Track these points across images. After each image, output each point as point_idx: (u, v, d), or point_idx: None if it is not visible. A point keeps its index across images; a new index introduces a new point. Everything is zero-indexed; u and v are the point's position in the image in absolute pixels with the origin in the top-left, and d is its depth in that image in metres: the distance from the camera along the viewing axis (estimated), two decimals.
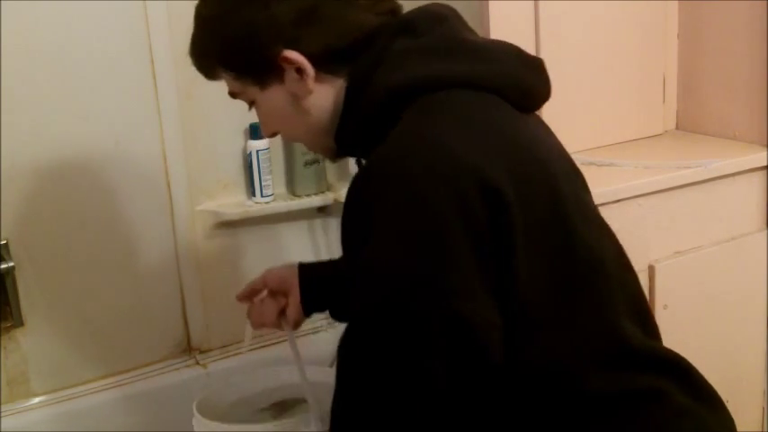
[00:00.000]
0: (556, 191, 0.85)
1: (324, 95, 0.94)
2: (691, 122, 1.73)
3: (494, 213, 0.79)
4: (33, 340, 1.54)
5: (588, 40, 1.58)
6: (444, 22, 0.93)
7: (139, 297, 1.62)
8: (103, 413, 1.57)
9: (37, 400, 1.55)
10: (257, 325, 1.21)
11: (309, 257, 1.73)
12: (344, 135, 0.95)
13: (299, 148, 1.68)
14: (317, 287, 1.19)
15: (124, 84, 1.54)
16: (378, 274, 0.80)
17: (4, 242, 1.48)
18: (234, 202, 1.69)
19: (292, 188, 1.73)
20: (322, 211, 1.77)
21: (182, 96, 1.59)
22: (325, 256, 1.76)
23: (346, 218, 0.86)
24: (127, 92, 1.54)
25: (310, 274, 1.20)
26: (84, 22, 1.48)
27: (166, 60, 1.55)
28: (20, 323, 1.52)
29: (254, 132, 1.65)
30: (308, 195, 1.72)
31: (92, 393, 1.58)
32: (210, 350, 1.70)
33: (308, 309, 1.19)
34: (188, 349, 1.69)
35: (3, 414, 1.50)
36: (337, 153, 1.00)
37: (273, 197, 1.69)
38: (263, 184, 1.66)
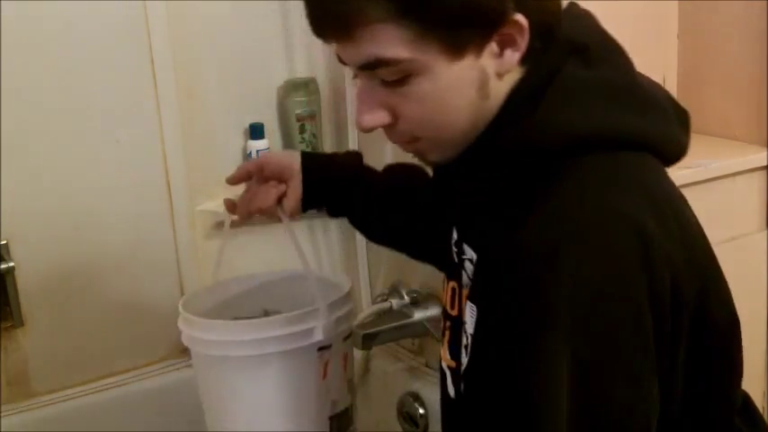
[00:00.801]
0: (712, 270, 0.81)
1: (507, 83, 0.78)
2: (691, 122, 1.73)
3: (673, 311, 0.74)
4: (33, 340, 1.54)
5: None
6: (615, 51, 0.82)
7: (139, 297, 1.62)
8: (103, 413, 1.57)
9: (37, 400, 1.55)
10: (251, 208, 1.10)
11: (309, 257, 1.73)
12: (481, 156, 0.79)
13: (299, 148, 1.68)
14: (321, 182, 1.10)
15: (124, 84, 1.53)
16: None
17: (4, 242, 1.47)
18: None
19: None
20: (322, 210, 1.76)
21: (182, 96, 1.59)
22: (324, 256, 1.76)
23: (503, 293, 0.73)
24: (127, 92, 1.54)
25: (315, 166, 1.10)
26: (83, 21, 1.48)
27: (166, 60, 1.55)
28: (20, 323, 1.52)
29: (254, 132, 1.65)
30: None
31: (92, 393, 1.58)
32: None
33: (309, 202, 1.11)
34: (188, 349, 1.69)
35: (3, 414, 1.50)
36: (444, 165, 0.83)
37: None
38: None
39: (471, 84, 0.76)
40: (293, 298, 1.18)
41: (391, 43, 0.73)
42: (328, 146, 1.75)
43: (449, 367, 0.93)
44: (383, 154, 1.51)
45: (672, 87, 1.73)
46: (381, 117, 0.79)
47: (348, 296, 1.14)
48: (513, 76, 0.78)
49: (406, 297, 1.54)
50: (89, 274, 1.57)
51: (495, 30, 0.74)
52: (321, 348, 1.07)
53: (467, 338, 0.85)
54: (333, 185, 1.12)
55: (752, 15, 1.57)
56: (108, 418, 1.57)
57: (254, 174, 1.11)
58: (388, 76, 0.76)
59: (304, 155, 1.11)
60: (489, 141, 0.79)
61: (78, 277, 1.56)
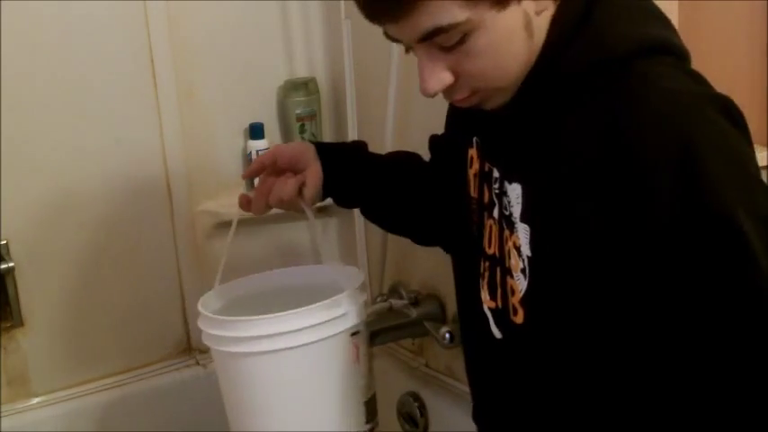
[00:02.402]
0: None
1: (545, 18, 0.84)
2: None
3: None
4: (33, 340, 1.54)
5: None
6: None
7: (139, 297, 1.62)
8: (103, 413, 1.57)
9: (37, 400, 1.55)
10: (271, 200, 1.10)
11: (309, 258, 1.73)
12: (537, 85, 0.84)
13: None
14: (339, 168, 1.11)
15: (124, 84, 1.54)
16: None
17: (4, 242, 1.48)
18: (234, 203, 1.65)
19: None
20: (322, 211, 1.76)
21: (182, 96, 1.59)
22: (325, 256, 1.76)
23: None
24: (127, 92, 1.54)
25: (330, 153, 1.12)
26: (83, 21, 1.48)
27: (166, 60, 1.55)
28: (20, 323, 1.52)
29: (254, 132, 1.65)
30: None
31: (92, 393, 1.58)
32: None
33: (328, 189, 1.11)
34: (188, 349, 1.69)
35: (3, 414, 1.50)
36: (508, 100, 0.87)
37: None
38: None
39: (519, 27, 0.81)
40: (306, 291, 1.18)
41: (447, 10, 0.77)
42: None
43: (490, 309, 0.94)
44: (383, 151, 1.51)
45: None
46: (445, 78, 0.83)
47: (365, 283, 1.15)
48: (548, 10, 0.84)
49: (405, 297, 1.54)
50: (89, 274, 1.57)
51: None
52: (353, 333, 1.07)
53: (523, 262, 0.87)
54: (349, 171, 1.12)
55: (752, 15, 1.57)
56: (108, 418, 1.57)
57: (268, 166, 1.12)
58: (446, 42, 0.80)
59: (317, 144, 1.12)
60: (544, 69, 0.84)
61: (78, 277, 1.56)
